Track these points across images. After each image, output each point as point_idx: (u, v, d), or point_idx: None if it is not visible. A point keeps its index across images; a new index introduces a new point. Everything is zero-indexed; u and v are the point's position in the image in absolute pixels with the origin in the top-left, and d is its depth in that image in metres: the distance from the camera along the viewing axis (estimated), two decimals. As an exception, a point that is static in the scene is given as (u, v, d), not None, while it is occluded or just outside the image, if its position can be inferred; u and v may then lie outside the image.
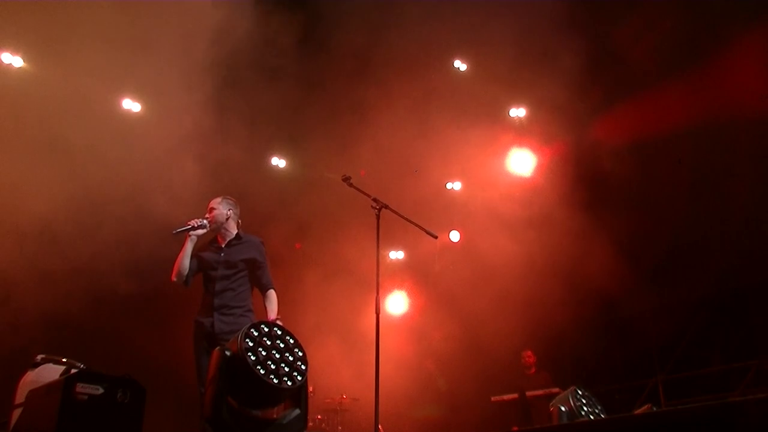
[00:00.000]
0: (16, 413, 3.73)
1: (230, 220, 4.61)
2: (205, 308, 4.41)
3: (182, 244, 4.44)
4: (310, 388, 5.93)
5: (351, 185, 4.69)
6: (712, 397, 6.85)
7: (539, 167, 8.34)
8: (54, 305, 6.02)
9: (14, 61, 6.22)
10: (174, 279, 4.42)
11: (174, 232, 4.35)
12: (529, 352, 7.70)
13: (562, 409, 3.78)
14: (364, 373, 6.33)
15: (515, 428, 6.78)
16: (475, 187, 8.87)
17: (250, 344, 2.98)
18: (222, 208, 4.59)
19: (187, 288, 4.53)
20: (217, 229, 4.57)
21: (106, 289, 6.53)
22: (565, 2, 6.75)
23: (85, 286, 6.28)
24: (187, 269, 4.43)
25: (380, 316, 4.33)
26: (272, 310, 4.47)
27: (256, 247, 4.60)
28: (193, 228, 4.38)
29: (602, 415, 3.89)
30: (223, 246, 4.54)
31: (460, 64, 8.22)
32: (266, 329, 3.11)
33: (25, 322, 5.89)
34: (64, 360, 4.03)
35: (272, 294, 4.54)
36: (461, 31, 7.38)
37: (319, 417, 7.23)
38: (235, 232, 4.62)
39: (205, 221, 4.46)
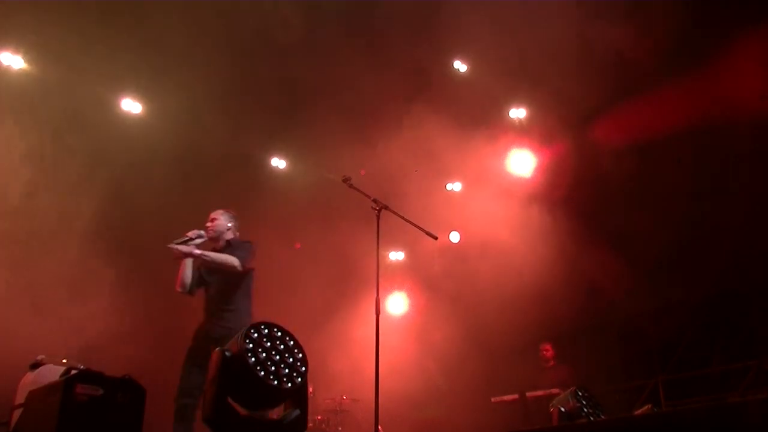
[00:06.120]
0: (17, 414, 3.73)
1: (229, 232, 4.73)
2: (205, 313, 4.56)
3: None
4: (310, 389, 5.93)
5: (351, 186, 4.70)
6: (712, 397, 6.84)
7: (539, 167, 8.33)
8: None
9: (14, 61, 6.21)
10: (178, 289, 4.51)
11: (172, 244, 4.36)
12: (548, 346, 7.64)
13: (562, 410, 3.79)
14: (364, 373, 6.32)
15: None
16: (475, 187, 8.86)
17: (250, 345, 2.98)
18: (223, 220, 4.73)
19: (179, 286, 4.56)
20: (216, 238, 4.67)
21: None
22: (565, 2, 6.75)
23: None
24: (190, 279, 4.51)
25: (380, 316, 4.34)
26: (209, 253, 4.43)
27: (240, 247, 4.63)
28: (191, 239, 4.42)
29: (602, 416, 3.89)
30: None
31: (460, 65, 8.22)
32: (266, 330, 3.11)
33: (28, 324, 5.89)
34: (64, 361, 4.04)
35: (230, 258, 4.43)
36: (462, 31, 7.37)
37: (319, 417, 7.22)
38: (227, 239, 4.70)
39: (202, 231, 4.53)
